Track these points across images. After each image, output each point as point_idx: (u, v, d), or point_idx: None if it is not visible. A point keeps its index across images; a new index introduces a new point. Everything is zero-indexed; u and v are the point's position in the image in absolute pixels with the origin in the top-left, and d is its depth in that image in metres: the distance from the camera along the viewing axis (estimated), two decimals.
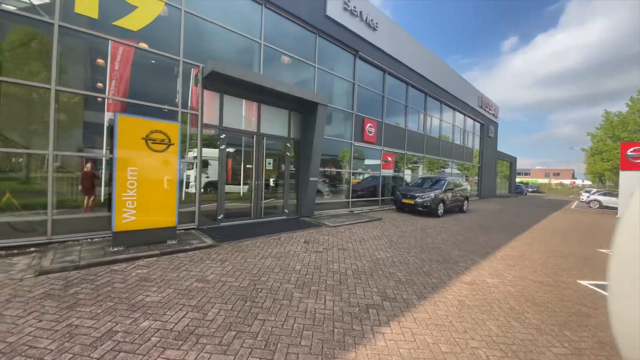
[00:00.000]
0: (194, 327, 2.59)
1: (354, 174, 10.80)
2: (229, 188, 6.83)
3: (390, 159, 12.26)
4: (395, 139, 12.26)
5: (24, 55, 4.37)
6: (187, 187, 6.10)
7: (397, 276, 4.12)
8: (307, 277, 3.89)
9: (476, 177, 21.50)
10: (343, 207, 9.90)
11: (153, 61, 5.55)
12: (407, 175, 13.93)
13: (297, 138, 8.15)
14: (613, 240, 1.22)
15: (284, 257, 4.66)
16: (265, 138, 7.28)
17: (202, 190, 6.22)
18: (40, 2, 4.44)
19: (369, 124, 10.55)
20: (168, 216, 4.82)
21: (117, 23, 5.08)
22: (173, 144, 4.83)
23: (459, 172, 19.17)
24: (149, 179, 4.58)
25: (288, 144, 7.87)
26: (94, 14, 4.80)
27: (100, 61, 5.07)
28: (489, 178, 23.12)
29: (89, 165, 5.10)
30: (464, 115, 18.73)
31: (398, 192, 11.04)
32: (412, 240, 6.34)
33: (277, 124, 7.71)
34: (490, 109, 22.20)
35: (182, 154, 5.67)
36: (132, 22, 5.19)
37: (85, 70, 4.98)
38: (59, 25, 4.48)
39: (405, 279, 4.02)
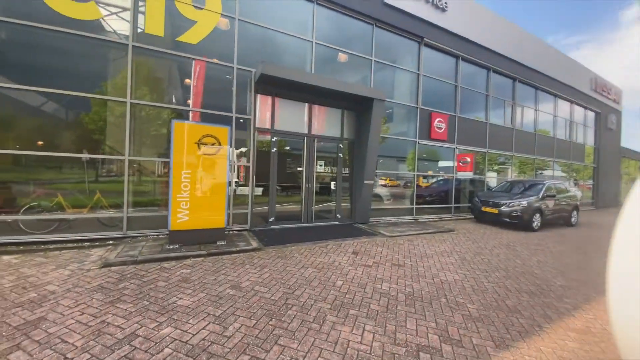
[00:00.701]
0: (209, 343, 2.33)
1: (419, 176, 9.61)
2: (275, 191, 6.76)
3: (469, 159, 10.48)
4: (473, 136, 10.42)
5: (106, 74, 5.11)
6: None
7: (467, 309, 3.14)
8: (347, 296, 3.31)
9: (590, 181, 16.82)
10: (405, 215, 8.82)
11: (211, 71, 5.87)
12: (491, 179, 11.73)
13: (350, 138, 7.61)
14: (613, 236, 1.15)
15: (327, 268, 4.16)
16: (316, 140, 6.98)
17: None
18: (118, 29, 5.13)
19: (437, 119, 9.21)
20: (217, 217, 4.92)
21: (179, 39, 5.54)
22: (223, 147, 4.94)
23: (564, 174, 15.28)
24: (200, 181, 4.75)
25: (341, 145, 7.40)
26: (160, 33, 5.32)
27: (170, 75, 5.62)
28: (610, 182, 17.81)
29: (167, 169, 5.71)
30: (571, 102, 14.89)
31: (477, 199, 9.27)
32: (493, 260, 5.02)
33: (329, 124, 7.34)
34: (609, 94, 17.15)
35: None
36: (192, 36, 5.59)
37: (156, 84, 5.58)
38: (133, 46, 5.10)
39: (478, 314, 3.03)
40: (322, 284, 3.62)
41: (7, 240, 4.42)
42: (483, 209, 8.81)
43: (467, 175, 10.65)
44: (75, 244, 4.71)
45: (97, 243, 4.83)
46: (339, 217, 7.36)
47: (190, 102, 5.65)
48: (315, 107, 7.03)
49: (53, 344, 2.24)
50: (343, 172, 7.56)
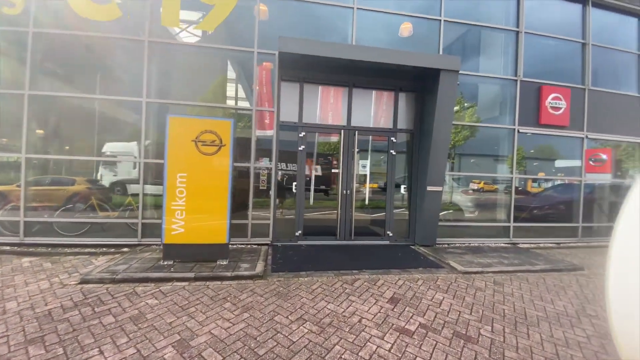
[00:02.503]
0: None
1: (527, 179, 6.80)
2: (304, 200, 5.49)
3: (605, 156, 6.90)
4: (616, 118, 6.74)
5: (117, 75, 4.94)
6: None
7: None
8: None
9: None
10: (497, 236, 6.20)
11: (228, 59, 5.15)
12: None
13: (407, 129, 5.69)
14: (613, 233, 1.17)
15: (335, 327, 2.64)
16: (357, 133, 5.41)
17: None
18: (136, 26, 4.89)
19: (552, 95, 6.20)
20: (217, 231, 4.01)
21: (196, 27, 5.00)
22: (225, 145, 4.03)
23: None
24: (197, 187, 3.95)
25: (393, 139, 5.57)
26: (176, 24, 4.86)
27: (186, 69, 5.16)
28: None
29: None
30: None
31: None
32: None
33: (376, 111, 5.64)
34: None
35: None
36: (209, 22, 4.93)
37: (169, 79, 5.19)
38: (149, 41, 4.77)
39: None
40: None
41: (40, 241, 4.60)
42: None
43: (603, 178, 6.98)
44: (94, 249, 4.61)
45: (112, 250, 4.62)
46: (390, 234, 5.54)
47: (181, 94, 5.07)
48: (358, 91, 5.48)
49: None
50: (397, 174, 5.72)
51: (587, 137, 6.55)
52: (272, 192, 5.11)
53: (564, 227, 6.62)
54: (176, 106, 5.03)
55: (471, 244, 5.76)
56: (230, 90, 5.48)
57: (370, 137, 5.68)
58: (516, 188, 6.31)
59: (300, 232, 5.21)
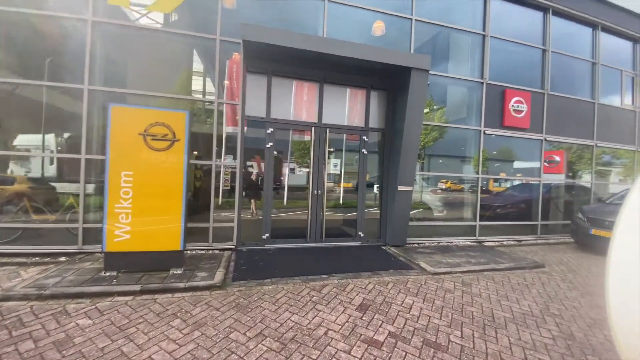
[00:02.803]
0: None
1: (489, 179, 7.00)
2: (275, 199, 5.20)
3: (558, 158, 7.35)
4: (571, 122, 7.21)
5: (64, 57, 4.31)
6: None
7: None
8: None
9: None
10: (464, 234, 6.33)
11: (186, 46, 4.70)
12: (606, 185, 8.20)
13: (379, 128, 5.60)
14: (613, 232, 1.16)
15: (298, 342, 2.39)
16: (329, 130, 5.20)
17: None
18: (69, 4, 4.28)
19: (514, 99, 6.45)
20: (170, 236, 3.59)
21: (150, 8, 4.47)
22: (179, 140, 3.61)
23: None
24: (146, 187, 3.50)
25: (364, 137, 5.44)
26: (126, 3, 4.31)
27: (139, 54, 4.62)
28: None
29: None
30: None
31: (581, 216, 6.21)
32: None
33: (347, 109, 5.47)
34: None
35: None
36: (165, 3, 4.45)
37: (116, 64, 4.63)
38: (92, 21, 4.19)
39: None
40: None
41: None
42: (594, 231, 5.76)
43: (557, 178, 7.44)
44: (25, 258, 3.95)
45: (47, 259, 3.99)
46: (361, 235, 5.41)
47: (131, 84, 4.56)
48: (329, 88, 5.27)
49: None
50: (369, 174, 5.60)
51: (545, 139, 6.91)
52: (236, 192, 4.74)
53: (524, 225, 6.94)
54: (127, 95, 4.47)
55: (440, 243, 5.80)
56: (191, 81, 5.01)
57: (344, 135, 5.50)
58: (481, 188, 6.49)
59: (267, 234, 4.90)
